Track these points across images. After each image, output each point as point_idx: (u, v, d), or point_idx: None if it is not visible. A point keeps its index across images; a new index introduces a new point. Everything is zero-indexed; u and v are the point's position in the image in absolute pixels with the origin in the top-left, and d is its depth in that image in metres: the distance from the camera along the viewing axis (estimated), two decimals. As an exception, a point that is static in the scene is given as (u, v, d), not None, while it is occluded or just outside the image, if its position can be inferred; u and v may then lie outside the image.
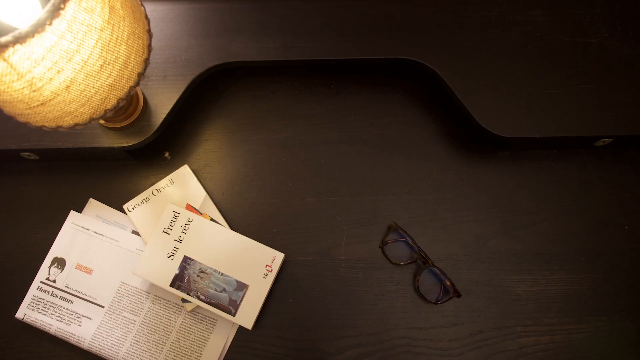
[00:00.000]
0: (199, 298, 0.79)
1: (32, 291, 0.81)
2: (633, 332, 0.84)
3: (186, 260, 0.80)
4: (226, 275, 0.80)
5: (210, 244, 0.81)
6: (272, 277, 0.81)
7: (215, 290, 0.80)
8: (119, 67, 0.60)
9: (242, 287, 0.80)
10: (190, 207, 0.85)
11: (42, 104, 0.57)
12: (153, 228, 0.84)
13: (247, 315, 0.79)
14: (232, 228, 0.86)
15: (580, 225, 0.89)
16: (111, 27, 0.57)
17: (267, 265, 0.81)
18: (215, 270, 0.80)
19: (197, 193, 0.86)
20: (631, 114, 0.83)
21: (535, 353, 0.83)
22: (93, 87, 0.59)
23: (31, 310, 0.81)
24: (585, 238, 0.88)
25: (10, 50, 0.50)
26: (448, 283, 0.83)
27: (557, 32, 0.85)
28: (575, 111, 0.83)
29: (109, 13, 0.57)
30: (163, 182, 0.86)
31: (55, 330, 0.80)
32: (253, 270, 0.81)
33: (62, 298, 0.81)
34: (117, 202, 0.87)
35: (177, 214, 0.82)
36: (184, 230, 0.82)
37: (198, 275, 0.80)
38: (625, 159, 0.92)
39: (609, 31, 0.87)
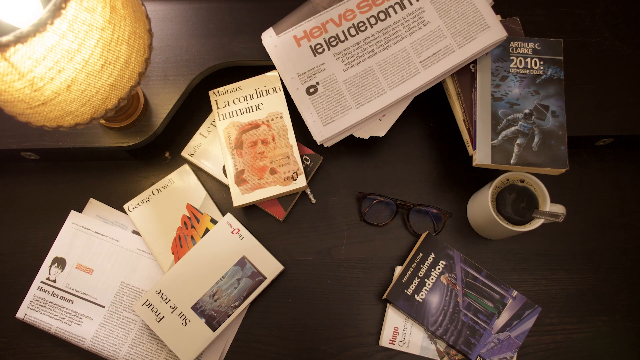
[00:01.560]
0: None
1: (33, 291, 0.82)
2: (634, 332, 0.84)
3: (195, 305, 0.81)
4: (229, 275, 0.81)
5: (195, 277, 0.82)
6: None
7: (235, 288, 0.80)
8: (120, 67, 0.60)
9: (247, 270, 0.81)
10: (190, 207, 0.85)
11: (43, 103, 0.57)
12: (153, 228, 0.84)
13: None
14: (232, 228, 0.86)
15: (581, 225, 0.89)
16: (112, 27, 0.58)
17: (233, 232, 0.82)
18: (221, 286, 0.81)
19: (197, 193, 0.86)
20: (632, 114, 0.84)
21: (536, 353, 0.83)
22: (94, 87, 0.59)
23: (31, 310, 0.81)
24: (586, 238, 0.88)
25: (12, 49, 0.50)
26: (435, 211, 0.87)
27: (557, 31, 0.86)
28: (576, 111, 0.83)
29: (110, 12, 0.57)
30: (163, 182, 0.86)
31: (56, 330, 0.80)
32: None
33: (62, 298, 0.81)
34: (117, 202, 0.87)
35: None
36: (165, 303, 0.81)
37: (215, 301, 0.80)
38: (626, 159, 0.92)
39: (610, 30, 0.87)
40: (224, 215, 0.86)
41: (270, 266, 0.82)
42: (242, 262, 0.81)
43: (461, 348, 0.79)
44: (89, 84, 0.58)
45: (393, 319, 0.82)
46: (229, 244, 0.82)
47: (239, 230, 0.82)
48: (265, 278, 0.82)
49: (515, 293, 0.81)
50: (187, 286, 0.80)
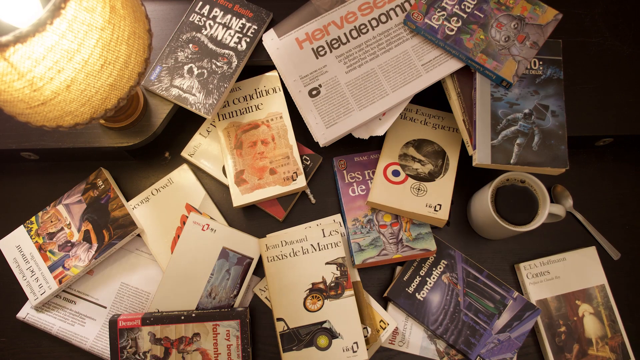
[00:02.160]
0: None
1: (33, 291, 0.82)
2: (634, 331, 0.84)
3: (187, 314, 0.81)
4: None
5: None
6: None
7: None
8: (119, 67, 0.60)
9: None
10: (190, 207, 0.85)
11: (42, 103, 0.57)
12: (152, 228, 0.84)
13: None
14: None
15: (581, 226, 0.89)
16: (112, 27, 0.58)
17: None
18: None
19: (196, 193, 0.86)
20: (632, 114, 0.84)
21: (536, 352, 0.83)
22: (94, 87, 0.59)
23: (34, 309, 0.81)
24: (585, 238, 0.88)
25: (11, 49, 0.50)
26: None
27: (557, 31, 0.86)
28: (576, 111, 0.83)
29: (110, 13, 0.57)
30: (163, 182, 0.86)
31: (58, 330, 0.80)
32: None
33: (65, 299, 0.81)
34: (117, 202, 0.88)
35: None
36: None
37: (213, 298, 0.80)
38: (626, 159, 0.92)
39: (610, 31, 0.87)
40: (224, 215, 0.86)
41: (251, 245, 0.82)
42: (225, 253, 0.81)
43: (461, 348, 0.79)
44: (88, 84, 0.59)
45: (393, 318, 0.82)
46: (205, 241, 0.82)
47: (208, 225, 0.82)
48: (252, 258, 0.82)
49: (516, 294, 0.81)
50: (181, 297, 0.80)
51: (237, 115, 0.86)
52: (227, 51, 0.83)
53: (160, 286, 0.80)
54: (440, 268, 0.82)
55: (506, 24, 0.78)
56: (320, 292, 0.79)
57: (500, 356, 0.79)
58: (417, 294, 0.81)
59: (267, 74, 0.87)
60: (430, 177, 0.84)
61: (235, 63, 0.82)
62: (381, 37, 0.81)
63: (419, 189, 0.82)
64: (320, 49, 0.82)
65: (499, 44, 0.77)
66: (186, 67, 0.82)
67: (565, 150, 0.75)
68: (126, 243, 0.84)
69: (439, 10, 0.79)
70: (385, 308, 0.83)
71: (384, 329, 0.80)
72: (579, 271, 0.84)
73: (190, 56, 0.83)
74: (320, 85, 0.81)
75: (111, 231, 0.82)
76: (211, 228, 0.82)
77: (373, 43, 0.81)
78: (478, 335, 0.80)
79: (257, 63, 0.86)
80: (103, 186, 0.84)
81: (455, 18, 0.79)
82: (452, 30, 0.78)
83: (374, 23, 0.82)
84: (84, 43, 0.56)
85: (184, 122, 0.90)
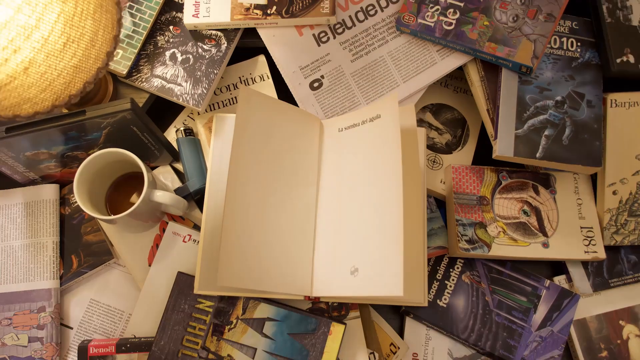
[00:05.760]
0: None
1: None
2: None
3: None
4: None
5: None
6: None
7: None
8: (84, 46, 0.59)
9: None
10: (168, 213, 0.83)
11: (-5, 88, 0.57)
12: (127, 236, 0.82)
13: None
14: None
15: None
16: None
17: None
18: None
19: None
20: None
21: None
22: (55, 69, 0.58)
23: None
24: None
25: (-45, 23, 0.49)
26: None
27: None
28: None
29: (74, -17, 0.56)
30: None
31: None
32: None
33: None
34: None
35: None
36: None
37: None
38: None
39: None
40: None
41: None
42: None
43: (501, 354, 0.77)
44: (49, 66, 0.58)
45: (410, 344, 0.80)
46: (187, 254, 0.79)
47: (190, 236, 0.79)
48: None
49: (547, 282, 0.80)
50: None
51: (219, 108, 0.84)
52: (214, 31, 0.81)
53: (137, 307, 0.77)
54: (457, 267, 0.81)
55: (511, 1, 0.76)
56: (321, 312, 0.76)
57: (547, 355, 0.78)
58: (438, 301, 0.79)
59: (253, 58, 0.86)
60: (448, 148, 0.84)
61: (225, 45, 0.81)
62: (391, 19, 0.81)
63: (434, 162, 0.83)
64: (322, 34, 0.81)
65: (507, 26, 0.76)
66: (168, 53, 0.81)
67: (600, 146, 0.74)
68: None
69: (431, 5, 0.78)
70: (402, 326, 0.81)
71: (394, 354, 0.78)
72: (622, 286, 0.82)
73: (171, 40, 0.81)
74: (322, 77, 0.80)
75: (81, 258, 0.80)
76: (193, 239, 0.80)
77: (382, 27, 0.81)
78: (517, 335, 0.78)
79: (250, 45, 0.84)
80: (77, 204, 0.82)
81: (451, 10, 0.77)
82: (450, 24, 0.76)
83: (382, 3, 0.81)
84: (43, 18, 0.55)
85: (161, 113, 0.87)
